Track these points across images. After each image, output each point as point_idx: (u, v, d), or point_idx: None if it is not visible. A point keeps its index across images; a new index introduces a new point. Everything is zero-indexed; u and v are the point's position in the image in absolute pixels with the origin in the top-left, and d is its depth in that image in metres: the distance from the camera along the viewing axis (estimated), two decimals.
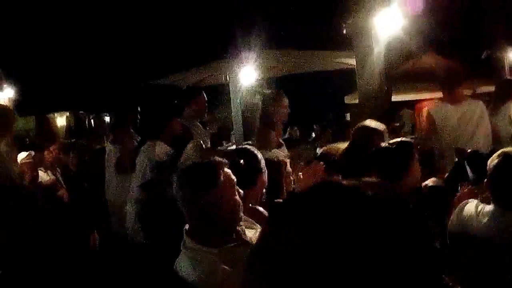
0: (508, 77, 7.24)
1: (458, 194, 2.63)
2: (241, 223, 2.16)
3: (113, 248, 4.67)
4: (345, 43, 6.15)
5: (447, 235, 2.38)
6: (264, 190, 2.73)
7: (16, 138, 5.03)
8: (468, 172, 2.87)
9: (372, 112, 5.18)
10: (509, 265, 2.12)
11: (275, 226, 0.95)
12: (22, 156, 5.07)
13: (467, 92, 5.10)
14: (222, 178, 2.06)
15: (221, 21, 12.69)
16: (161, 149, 4.03)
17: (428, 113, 4.95)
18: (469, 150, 3.06)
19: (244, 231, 2.14)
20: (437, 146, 4.59)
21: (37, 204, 4.50)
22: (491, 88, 8.40)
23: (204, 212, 2.02)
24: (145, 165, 4.06)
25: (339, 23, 5.30)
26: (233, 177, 2.12)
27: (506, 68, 8.20)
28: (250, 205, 2.55)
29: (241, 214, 2.13)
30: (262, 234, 1.08)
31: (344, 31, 5.24)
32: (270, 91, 4.83)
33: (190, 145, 4.00)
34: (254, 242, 2.02)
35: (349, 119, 11.74)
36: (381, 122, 5.24)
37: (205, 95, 4.89)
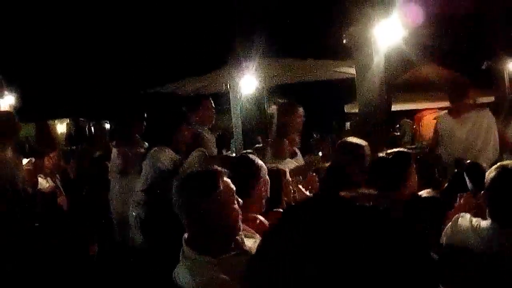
0: None
1: (456, 205, 2.62)
2: (240, 232, 2.15)
3: (113, 254, 4.67)
4: (345, 53, 6.18)
5: (442, 247, 2.36)
6: (264, 201, 2.71)
7: (16, 145, 5.04)
8: (467, 183, 2.87)
9: (372, 122, 5.19)
10: (508, 281, 2.11)
11: (274, 237, 0.96)
12: (23, 163, 5.08)
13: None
14: (221, 187, 2.07)
15: (221, 30, 12.73)
16: (166, 155, 4.04)
17: (435, 124, 5.01)
18: (468, 161, 3.06)
19: (243, 240, 2.13)
20: (444, 158, 4.62)
21: (36, 209, 4.50)
22: (491, 99, 8.44)
23: (203, 221, 2.02)
24: (149, 170, 4.08)
25: (339, 33, 5.32)
26: (232, 186, 2.12)
27: (506, 79, 8.22)
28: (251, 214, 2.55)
29: (240, 223, 2.13)
30: (261, 243, 1.08)
31: (344, 41, 5.26)
32: (285, 101, 4.85)
33: (194, 153, 4.03)
34: (253, 251, 2.01)
35: (349, 128, 11.77)
36: (381, 131, 5.28)
37: (212, 102, 4.91)
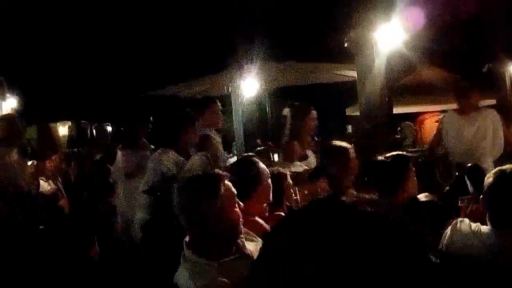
0: None
1: (464, 209, 2.61)
2: (241, 235, 2.16)
3: (114, 256, 4.67)
4: (347, 56, 6.19)
5: (441, 251, 2.36)
6: (265, 205, 2.70)
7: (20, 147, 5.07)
8: (469, 187, 2.87)
9: (373, 124, 5.20)
10: (508, 286, 2.11)
11: (275, 241, 0.97)
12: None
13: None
14: (222, 190, 2.07)
15: (223, 33, 12.76)
16: (170, 157, 4.03)
17: (440, 123, 4.99)
18: (469, 165, 3.07)
19: (244, 244, 2.13)
20: (450, 157, 4.63)
21: (37, 211, 4.52)
22: (492, 102, 8.43)
23: (204, 224, 2.03)
24: (151, 173, 4.08)
25: (340, 37, 5.34)
26: (234, 189, 2.13)
27: (507, 82, 8.21)
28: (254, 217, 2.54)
29: (241, 226, 2.14)
30: (263, 247, 1.09)
31: (346, 45, 5.28)
32: (298, 103, 4.85)
33: (195, 157, 4.02)
34: (254, 255, 2.02)
35: (350, 131, 11.77)
36: (382, 134, 5.29)
37: (219, 104, 4.90)
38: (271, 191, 2.71)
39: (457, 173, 3.21)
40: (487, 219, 2.27)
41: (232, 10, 12.49)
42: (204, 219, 2.02)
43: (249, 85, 7.66)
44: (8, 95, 9.08)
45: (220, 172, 2.16)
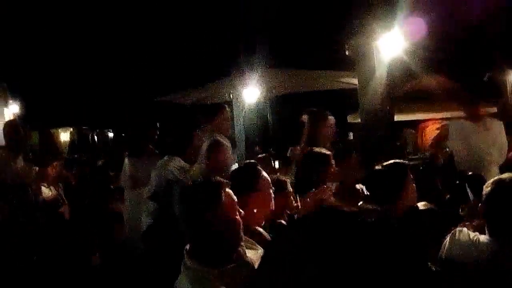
0: None
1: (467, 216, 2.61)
2: (242, 243, 2.15)
3: (115, 263, 4.66)
4: (348, 64, 6.20)
5: (441, 259, 2.36)
6: (264, 213, 2.68)
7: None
8: (469, 195, 2.87)
9: (374, 132, 5.21)
10: None
11: (277, 250, 0.97)
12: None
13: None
14: (223, 198, 2.07)
15: (225, 41, 12.81)
16: (175, 164, 4.03)
17: (446, 129, 4.95)
18: (470, 173, 3.07)
19: (245, 252, 2.13)
20: (458, 165, 4.61)
21: (37, 214, 4.53)
22: (493, 110, 8.44)
23: (205, 231, 2.03)
24: (155, 179, 4.08)
25: (342, 44, 5.36)
26: (235, 197, 2.13)
27: (508, 90, 8.23)
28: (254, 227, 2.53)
29: (242, 234, 2.13)
30: (264, 256, 1.09)
31: (347, 52, 5.30)
32: (316, 109, 4.84)
33: (196, 165, 4.02)
34: (254, 263, 2.01)
35: (352, 138, 11.77)
36: (383, 141, 5.28)
37: (228, 111, 4.89)
38: (272, 201, 2.69)
39: (457, 182, 3.21)
40: (485, 228, 2.27)
41: (235, 18, 12.55)
42: (205, 226, 2.02)
43: (251, 92, 7.68)
44: (10, 101, 9.12)
45: (221, 179, 2.15)
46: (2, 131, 5.14)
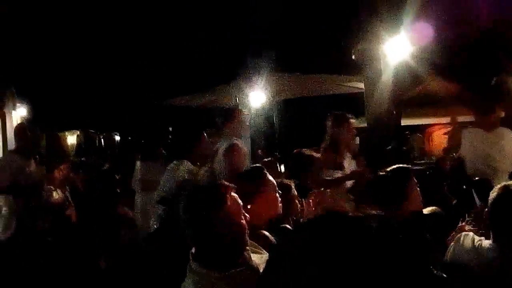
0: None
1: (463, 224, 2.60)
2: (247, 247, 2.15)
3: (122, 267, 4.66)
4: (354, 68, 6.21)
5: (446, 263, 2.35)
6: (267, 217, 2.67)
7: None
8: (476, 200, 2.86)
9: (380, 136, 5.20)
10: None
11: (282, 255, 0.97)
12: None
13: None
14: (229, 202, 2.07)
15: (231, 45, 12.85)
16: (185, 168, 4.06)
17: (453, 134, 4.91)
18: (476, 178, 3.05)
19: (250, 256, 2.13)
20: (470, 173, 4.57)
21: (43, 217, 4.55)
22: (501, 114, 8.38)
23: (210, 236, 2.03)
24: (166, 183, 4.10)
25: (348, 49, 5.36)
26: (240, 201, 2.13)
27: None
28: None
29: (247, 238, 2.13)
30: (269, 261, 1.09)
31: (353, 57, 5.30)
32: (338, 112, 4.84)
33: (201, 171, 4.04)
34: (260, 267, 2.01)
35: (358, 142, 11.73)
36: (389, 145, 5.27)
37: (243, 114, 4.90)
38: (279, 204, 2.69)
39: (464, 187, 3.19)
40: (490, 233, 2.26)
41: (242, 22, 12.58)
42: (209, 229, 2.02)
43: (257, 96, 7.70)
44: (18, 104, 9.18)
45: (226, 183, 2.16)
46: (12, 135, 5.21)
